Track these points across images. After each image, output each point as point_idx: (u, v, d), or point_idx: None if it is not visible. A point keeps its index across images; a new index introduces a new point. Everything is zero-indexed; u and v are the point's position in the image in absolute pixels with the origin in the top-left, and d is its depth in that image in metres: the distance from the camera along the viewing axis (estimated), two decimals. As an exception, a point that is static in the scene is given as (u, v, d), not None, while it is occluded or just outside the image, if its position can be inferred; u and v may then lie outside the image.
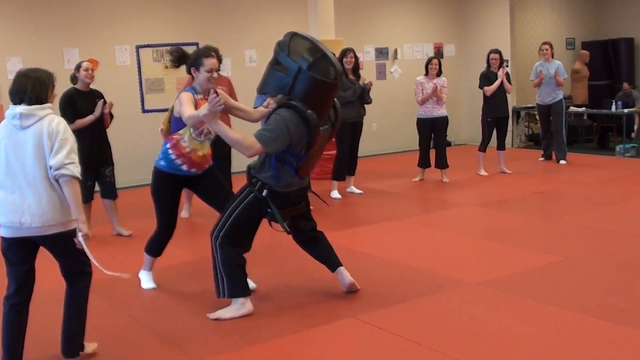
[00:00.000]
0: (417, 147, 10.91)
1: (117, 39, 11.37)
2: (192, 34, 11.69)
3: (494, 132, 11.20)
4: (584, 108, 14.36)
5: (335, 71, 5.08)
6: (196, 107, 5.27)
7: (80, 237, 4.28)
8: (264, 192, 5.18)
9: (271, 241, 6.51)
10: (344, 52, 9.64)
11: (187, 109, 5.21)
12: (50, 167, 4.23)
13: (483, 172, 11.11)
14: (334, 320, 5.15)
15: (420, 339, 4.75)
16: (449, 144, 13.03)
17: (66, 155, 4.22)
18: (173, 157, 5.57)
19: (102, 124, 7.69)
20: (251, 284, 5.67)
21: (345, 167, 9.84)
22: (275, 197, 5.21)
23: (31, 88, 4.29)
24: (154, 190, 5.76)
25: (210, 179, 5.83)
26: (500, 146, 11.31)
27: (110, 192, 7.85)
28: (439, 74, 10.54)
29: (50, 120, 4.29)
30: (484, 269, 6.23)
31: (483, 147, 11.19)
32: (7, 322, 4.43)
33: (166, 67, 11.20)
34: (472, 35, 15.35)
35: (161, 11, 11.84)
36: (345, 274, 5.68)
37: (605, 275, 6.13)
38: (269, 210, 5.24)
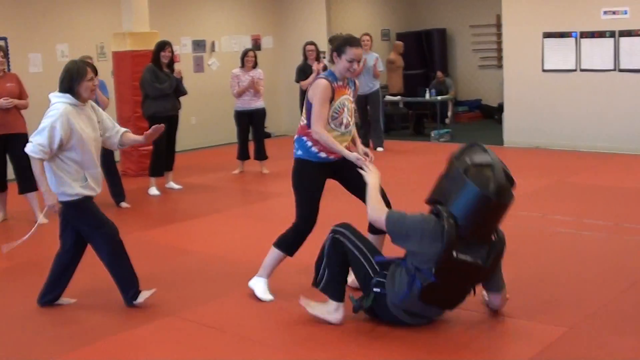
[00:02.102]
0: (236, 140, 10.92)
1: None
2: (-2, 28, 11.15)
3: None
4: (399, 97, 14.83)
5: (495, 187, 4.36)
6: (333, 94, 5.16)
7: (46, 208, 5.10)
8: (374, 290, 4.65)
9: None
10: (162, 46, 9.32)
11: (323, 111, 5.14)
12: None
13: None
14: (156, 319, 5.07)
15: (242, 330, 4.78)
16: (269, 136, 13.08)
17: (34, 135, 4.96)
18: (309, 144, 5.24)
19: None
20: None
21: (163, 162, 9.61)
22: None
23: (61, 78, 5.08)
24: (296, 180, 5.35)
25: (355, 169, 5.32)
26: (320, 136, 11.48)
27: None
28: (254, 66, 10.53)
29: (51, 108, 5.00)
30: (303, 257, 6.28)
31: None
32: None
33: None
34: (289, 28, 15.48)
35: (-38, 4, 11.19)
36: None
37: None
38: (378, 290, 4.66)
